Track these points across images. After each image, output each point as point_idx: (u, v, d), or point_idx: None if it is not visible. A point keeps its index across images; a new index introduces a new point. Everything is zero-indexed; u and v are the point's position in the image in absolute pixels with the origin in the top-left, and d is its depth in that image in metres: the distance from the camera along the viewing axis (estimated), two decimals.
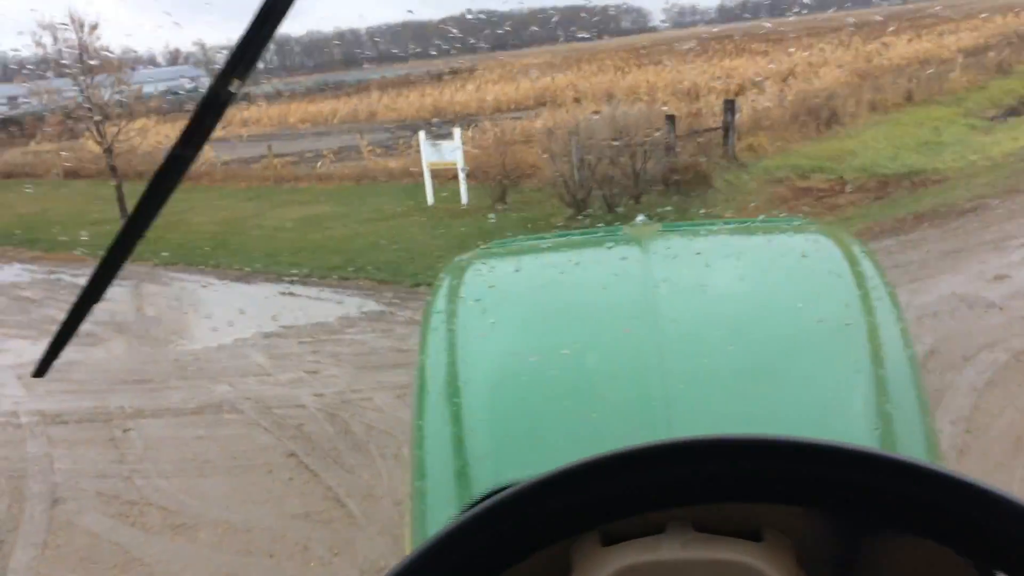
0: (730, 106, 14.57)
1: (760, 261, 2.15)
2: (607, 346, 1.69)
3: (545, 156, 12.95)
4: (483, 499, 0.57)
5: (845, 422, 1.41)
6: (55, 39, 15.00)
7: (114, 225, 11.97)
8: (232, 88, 0.77)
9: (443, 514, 1.30)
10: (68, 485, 5.12)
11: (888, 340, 1.60)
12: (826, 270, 1.95)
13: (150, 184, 0.82)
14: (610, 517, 0.58)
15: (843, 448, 0.55)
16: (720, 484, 0.57)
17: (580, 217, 11.39)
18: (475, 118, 23.00)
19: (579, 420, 1.46)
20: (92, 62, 15.10)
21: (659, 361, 1.53)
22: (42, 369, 0.98)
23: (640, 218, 2.76)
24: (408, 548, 1.42)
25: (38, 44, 14.83)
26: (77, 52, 14.87)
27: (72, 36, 14.91)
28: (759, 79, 20.70)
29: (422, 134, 13.15)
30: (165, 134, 31.25)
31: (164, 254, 11.84)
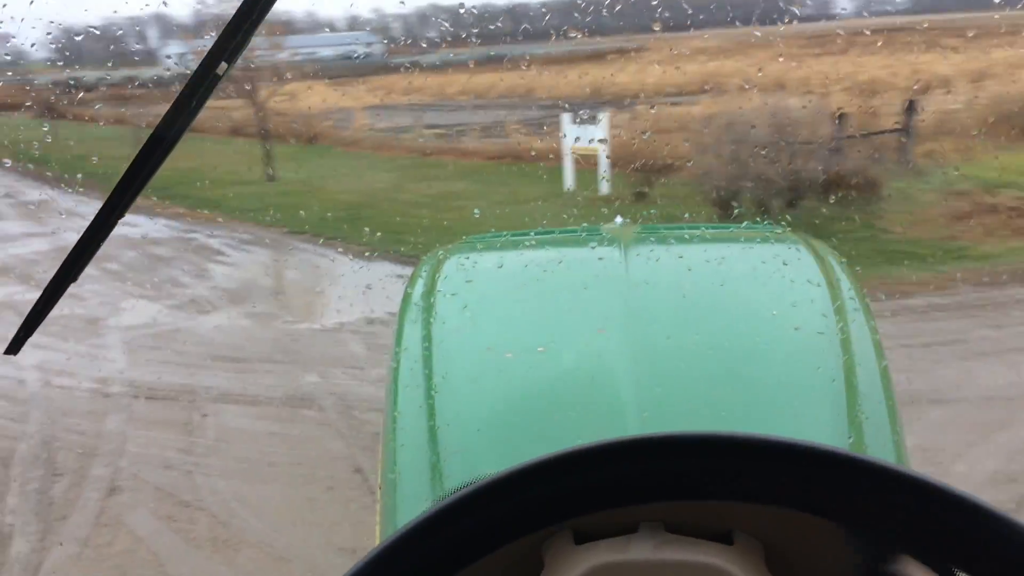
0: (911, 106, 13.12)
1: (737, 267, 2.18)
2: (582, 345, 1.69)
3: (697, 147, 12.05)
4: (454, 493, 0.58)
5: (816, 429, 1.42)
6: None
7: (258, 186, 12.01)
8: (219, 71, 0.76)
9: (414, 507, 1.28)
10: (130, 473, 4.86)
11: (861, 351, 1.61)
12: (803, 279, 1.97)
13: (131, 165, 0.79)
14: (579, 512, 0.59)
15: (808, 447, 0.55)
16: (687, 481, 0.57)
17: (726, 218, 10.46)
18: (632, 101, 22.12)
19: (552, 418, 1.47)
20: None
21: (633, 362, 1.53)
22: (15, 347, 0.94)
23: (619, 219, 2.73)
24: (378, 540, 1.34)
25: (200, 2, 15.05)
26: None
27: None
28: (948, 77, 18.80)
29: (565, 116, 12.49)
30: (322, 97, 31.96)
31: (296, 220, 11.77)
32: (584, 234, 2.72)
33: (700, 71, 27.68)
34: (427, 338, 1.76)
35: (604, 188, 12.22)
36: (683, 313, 1.82)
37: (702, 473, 0.57)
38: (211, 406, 5.73)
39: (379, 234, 10.68)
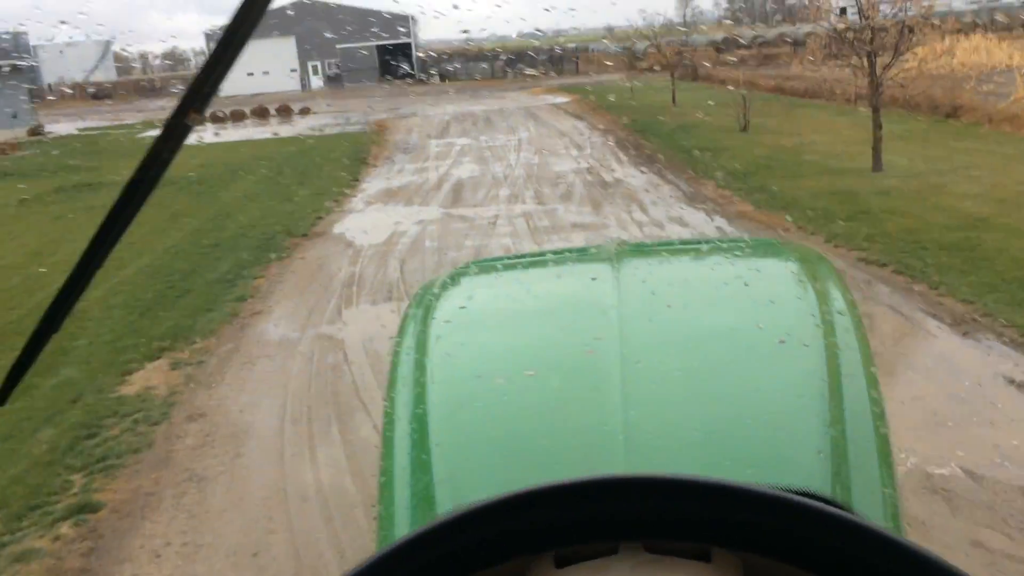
0: None
1: (729, 282, 2.21)
2: (572, 369, 1.73)
3: None
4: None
5: (801, 440, 1.43)
6: None
7: (856, 179, 9.08)
8: (189, 121, 0.78)
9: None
10: None
11: (849, 362, 1.63)
12: (793, 292, 2.04)
13: (105, 220, 0.80)
14: (558, 544, 0.61)
15: (754, 491, 0.58)
16: (662, 522, 0.59)
17: None
18: None
19: (541, 444, 1.50)
20: None
21: (621, 384, 1.54)
22: (2, 397, 0.97)
23: (613, 238, 3.52)
24: None
25: None
26: None
27: None
28: None
29: None
30: (985, 54, 26.13)
31: (878, 239, 8.47)
32: (577, 254, 2.75)
33: None
34: (421, 365, 1.78)
35: None
36: (672, 330, 1.85)
37: (677, 516, 0.59)
38: None
39: (998, 284, 6.90)
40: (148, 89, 58.67)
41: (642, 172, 13.99)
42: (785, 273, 2.21)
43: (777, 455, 1.40)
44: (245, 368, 6.50)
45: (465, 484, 1.40)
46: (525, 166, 15.54)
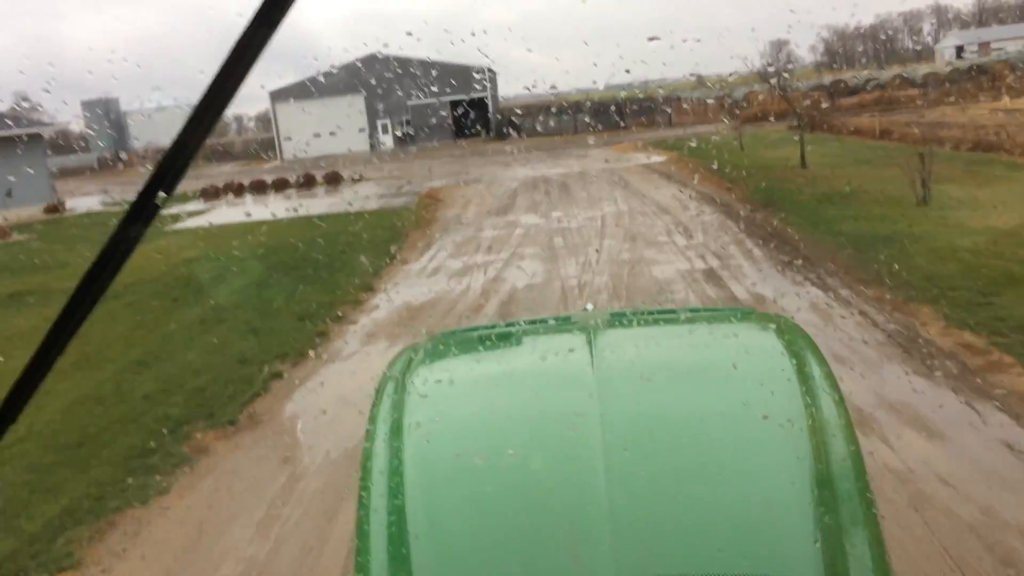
0: None
1: (708, 354, 2.15)
2: (553, 446, 1.66)
3: None
4: None
5: (791, 535, 1.38)
6: None
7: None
8: (158, 201, 0.77)
9: None
10: None
11: (835, 441, 1.57)
12: (773, 365, 1.95)
13: (72, 296, 0.79)
14: None
15: None
16: None
17: None
18: None
19: (523, 526, 1.45)
20: None
21: (604, 463, 1.49)
22: None
23: (588, 306, 2.97)
24: None
25: None
26: None
27: None
28: None
29: None
30: None
31: None
32: (553, 323, 2.68)
33: None
34: (397, 445, 1.70)
35: None
36: (653, 406, 1.78)
37: None
38: None
39: None
40: (222, 153, 56.07)
41: (795, 283, 8.97)
42: (764, 345, 2.14)
43: (770, 545, 1.35)
44: None
45: (446, 572, 1.38)
46: (610, 264, 10.72)
